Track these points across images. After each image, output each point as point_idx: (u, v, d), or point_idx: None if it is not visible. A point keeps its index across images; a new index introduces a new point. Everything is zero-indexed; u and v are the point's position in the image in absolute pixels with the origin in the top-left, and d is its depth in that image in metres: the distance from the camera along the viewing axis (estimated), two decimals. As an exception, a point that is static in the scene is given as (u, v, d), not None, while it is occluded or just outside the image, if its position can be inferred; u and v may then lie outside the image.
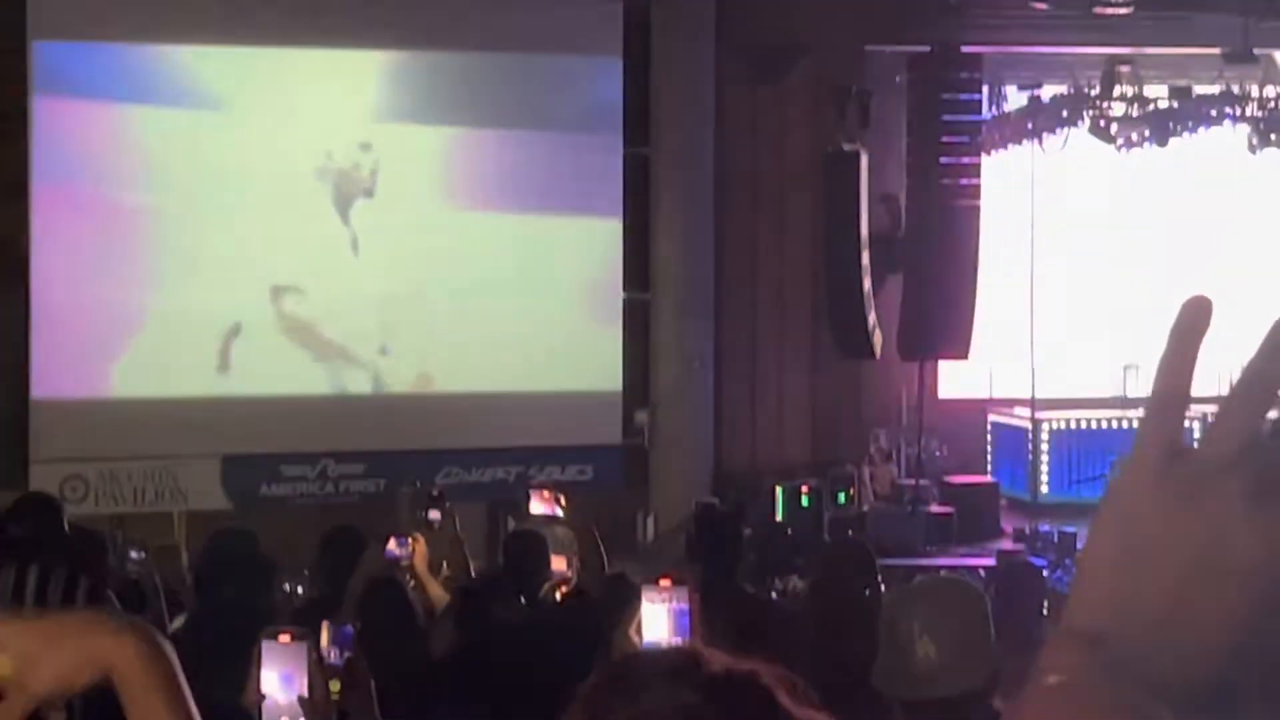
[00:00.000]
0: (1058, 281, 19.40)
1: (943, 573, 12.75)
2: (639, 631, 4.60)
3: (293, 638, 4.41)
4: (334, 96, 15.52)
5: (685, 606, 4.51)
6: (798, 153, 16.94)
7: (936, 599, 4.29)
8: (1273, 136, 17.62)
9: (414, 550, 7.88)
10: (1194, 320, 1.07)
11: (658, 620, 4.59)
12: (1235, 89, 17.50)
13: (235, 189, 15.21)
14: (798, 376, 17.00)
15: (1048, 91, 17.92)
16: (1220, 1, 16.16)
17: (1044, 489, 17.99)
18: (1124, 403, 18.06)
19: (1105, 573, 1.07)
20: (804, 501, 15.78)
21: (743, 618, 6.83)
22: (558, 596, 7.99)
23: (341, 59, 15.59)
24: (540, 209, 15.79)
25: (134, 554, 10.52)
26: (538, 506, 8.57)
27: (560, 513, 8.49)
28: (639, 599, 4.62)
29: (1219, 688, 1.05)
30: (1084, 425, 18.21)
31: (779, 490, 15.80)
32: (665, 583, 4.59)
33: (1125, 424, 17.73)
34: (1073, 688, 1.07)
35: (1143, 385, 17.77)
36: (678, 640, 4.51)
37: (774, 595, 10.58)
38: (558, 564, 8.28)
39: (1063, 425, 18.21)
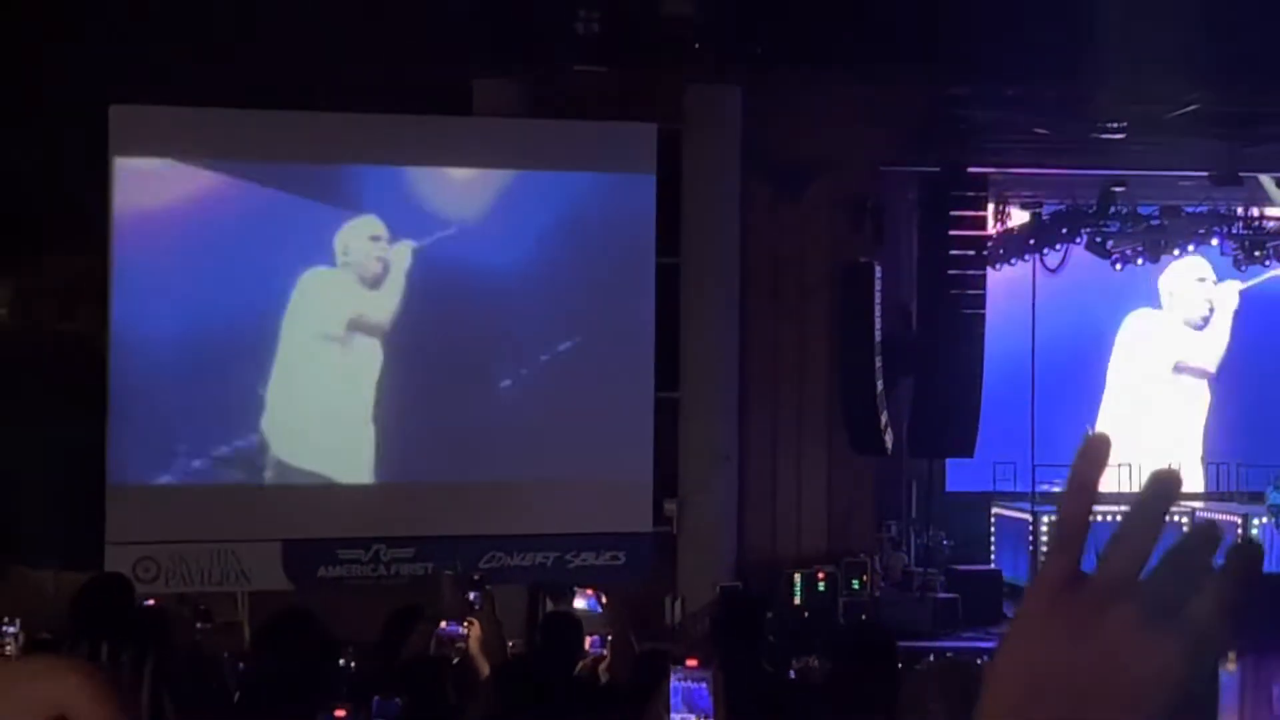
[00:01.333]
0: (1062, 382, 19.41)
1: (949, 655, 12.80)
2: (666, 708, 4.64)
3: (347, 714, 4.48)
4: (382, 211, 15.64)
5: (708, 686, 4.56)
6: (816, 263, 17.00)
7: (955, 681, 4.29)
8: (1256, 254, 17.71)
9: (468, 633, 8.05)
10: (1095, 456, 1.10)
11: (683, 697, 4.63)
12: (1222, 209, 17.59)
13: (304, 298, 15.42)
14: (815, 471, 16.98)
15: (1048, 210, 18.02)
16: (1207, 128, 16.23)
17: (1044, 577, 17.86)
18: (1118, 498, 17.99)
19: (1011, 687, 1.06)
20: (820, 587, 15.89)
21: (763, 694, 6.87)
22: (599, 672, 8.14)
23: (388, 175, 15.70)
24: (578, 315, 15.86)
25: (199, 624, 10.58)
26: (581, 601, 8.87)
27: (600, 608, 8.76)
28: (667, 677, 4.66)
29: None
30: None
31: (797, 577, 15.91)
32: (691, 663, 4.64)
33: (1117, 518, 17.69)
34: None
35: (1135, 481, 17.83)
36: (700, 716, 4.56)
37: (792, 674, 10.57)
38: (590, 642, 8.42)
39: (1061, 517, 18.07)
